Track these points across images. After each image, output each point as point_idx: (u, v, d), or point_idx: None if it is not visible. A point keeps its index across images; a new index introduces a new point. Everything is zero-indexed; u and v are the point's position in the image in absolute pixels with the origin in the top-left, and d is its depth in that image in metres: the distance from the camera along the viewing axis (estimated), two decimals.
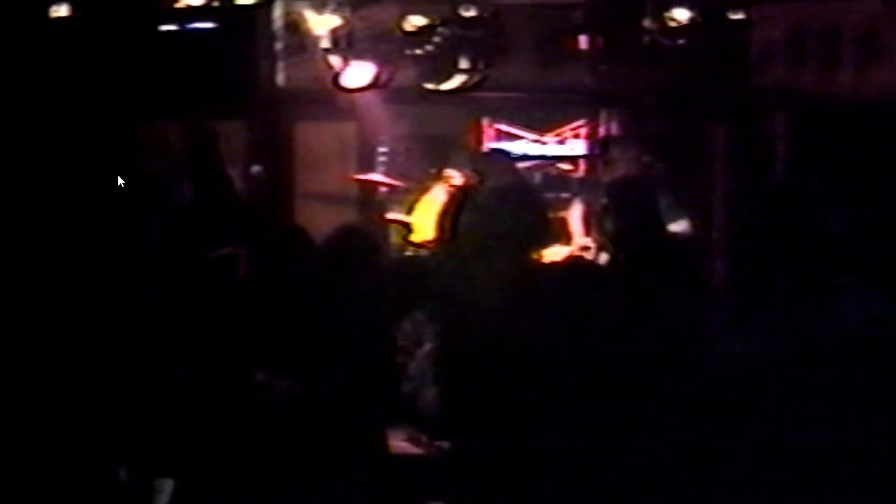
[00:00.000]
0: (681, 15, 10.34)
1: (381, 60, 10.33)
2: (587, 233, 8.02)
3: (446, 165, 10.35)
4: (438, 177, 10.35)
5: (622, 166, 9.47)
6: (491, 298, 5.49)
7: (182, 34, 10.51)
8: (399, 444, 6.00)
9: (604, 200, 8.08)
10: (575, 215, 9.04)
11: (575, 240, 8.69)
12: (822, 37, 10.54)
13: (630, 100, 10.99)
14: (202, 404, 5.46)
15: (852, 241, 5.15)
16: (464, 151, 10.82)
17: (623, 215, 7.30)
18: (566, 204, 10.52)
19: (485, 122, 11.55)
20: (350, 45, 10.30)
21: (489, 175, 10.40)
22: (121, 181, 7.72)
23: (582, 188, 10.62)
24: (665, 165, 9.73)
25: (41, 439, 5.62)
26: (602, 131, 11.36)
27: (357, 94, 10.52)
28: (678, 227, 8.71)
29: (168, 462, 5.64)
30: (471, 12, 10.38)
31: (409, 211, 9.57)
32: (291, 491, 5.21)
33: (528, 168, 11.57)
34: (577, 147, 11.55)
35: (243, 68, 10.77)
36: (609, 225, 7.45)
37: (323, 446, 5.26)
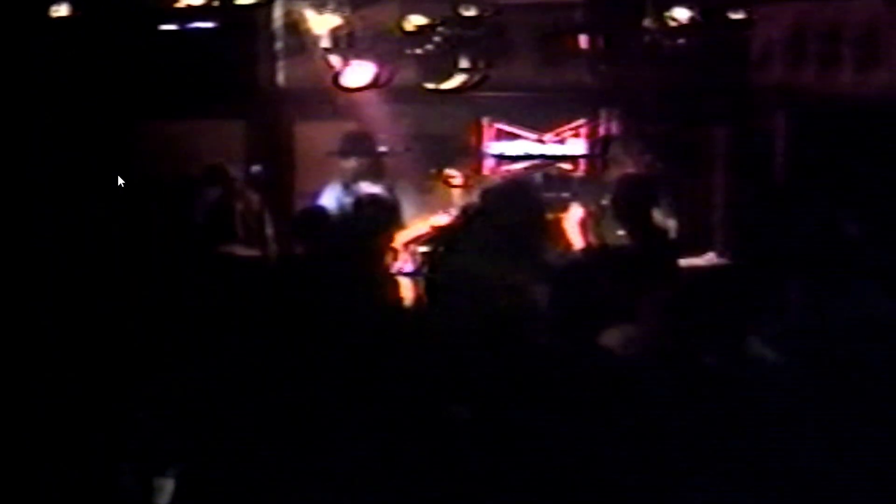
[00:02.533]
0: (681, 15, 10.35)
1: (381, 60, 10.33)
2: (584, 237, 8.02)
3: (447, 165, 10.37)
4: (438, 176, 10.37)
5: (623, 166, 9.47)
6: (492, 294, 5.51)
7: (182, 34, 10.51)
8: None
9: (605, 200, 8.06)
10: (572, 220, 9.04)
11: (572, 244, 8.70)
12: (822, 37, 10.54)
13: (630, 100, 10.99)
14: (207, 404, 5.46)
15: (851, 239, 5.15)
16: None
17: (629, 214, 7.30)
18: (566, 204, 10.53)
19: (485, 122, 11.54)
20: (350, 45, 10.30)
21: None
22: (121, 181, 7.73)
23: (579, 190, 10.63)
24: (665, 165, 9.73)
25: (42, 439, 5.62)
26: (602, 131, 11.36)
27: (357, 94, 10.52)
28: (675, 225, 8.73)
29: (169, 462, 5.64)
30: (471, 12, 10.38)
31: None
32: (293, 490, 5.22)
33: (528, 168, 11.58)
34: (577, 147, 11.55)
35: (243, 68, 10.78)
36: (611, 224, 7.45)
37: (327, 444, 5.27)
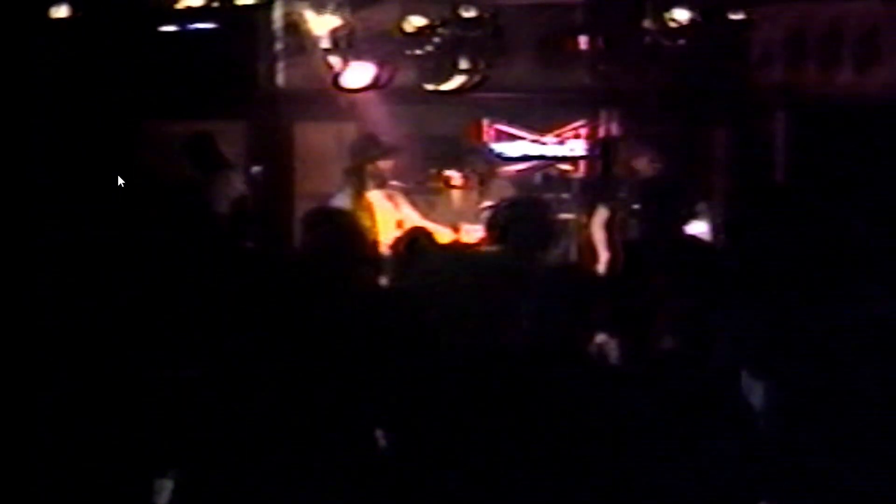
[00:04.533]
0: (681, 15, 10.35)
1: (381, 61, 10.33)
2: (609, 239, 7.94)
3: (447, 165, 10.37)
4: (438, 177, 10.37)
5: (633, 167, 9.47)
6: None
7: (182, 34, 10.52)
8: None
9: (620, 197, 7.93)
10: (597, 222, 8.96)
11: (597, 247, 8.61)
12: (822, 37, 10.55)
13: (630, 100, 11.00)
14: (210, 405, 5.46)
15: (852, 239, 5.15)
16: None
17: (657, 217, 7.26)
18: (565, 204, 10.55)
19: (485, 122, 11.56)
20: (350, 45, 10.30)
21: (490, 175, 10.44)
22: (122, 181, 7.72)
23: (580, 189, 10.64)
24: (665, 166, 9.73)
25: (42, 439, 5.63)
26: (602, 131, 11.37)
27: (357, 94, 10.52)
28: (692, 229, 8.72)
29: (170, 462, 5.64)
30: (471, 12, 10.38)
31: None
32: (293, 491, 5.22)
33: (528, 168, 11.60)
34: (577, 147, 11.57)
35: (243, 68, 10.78)
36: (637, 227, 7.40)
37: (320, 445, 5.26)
